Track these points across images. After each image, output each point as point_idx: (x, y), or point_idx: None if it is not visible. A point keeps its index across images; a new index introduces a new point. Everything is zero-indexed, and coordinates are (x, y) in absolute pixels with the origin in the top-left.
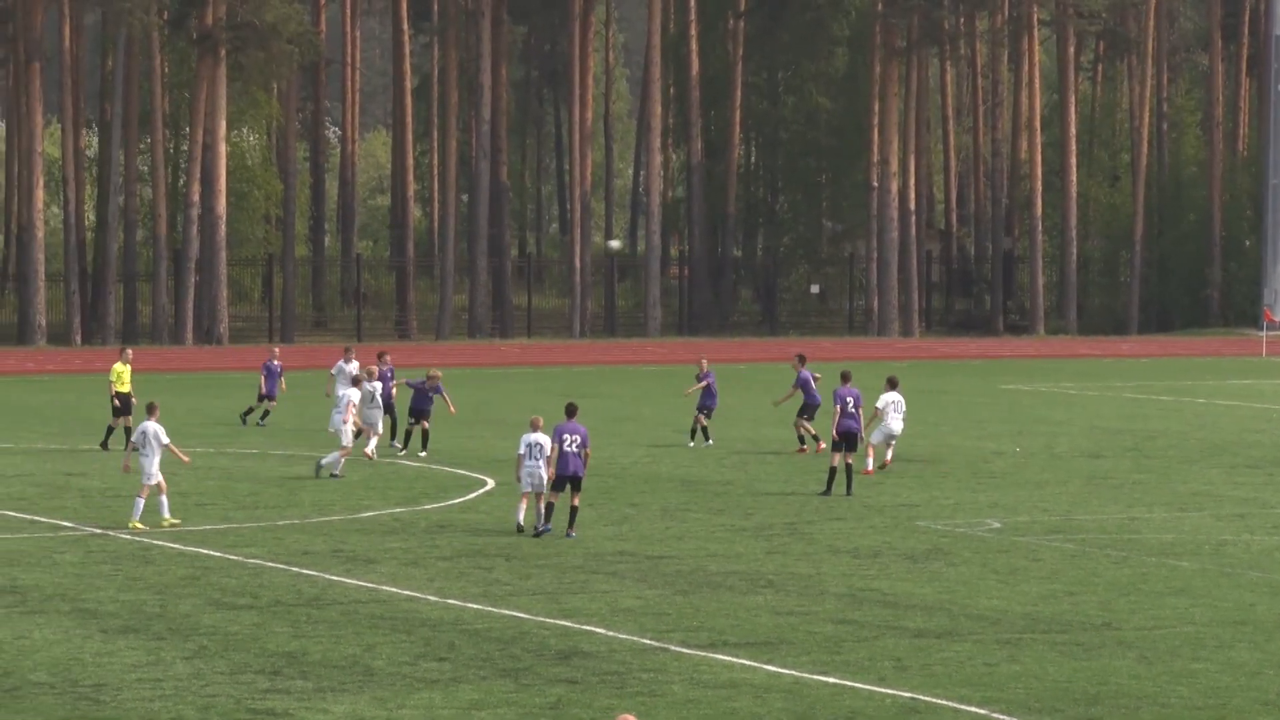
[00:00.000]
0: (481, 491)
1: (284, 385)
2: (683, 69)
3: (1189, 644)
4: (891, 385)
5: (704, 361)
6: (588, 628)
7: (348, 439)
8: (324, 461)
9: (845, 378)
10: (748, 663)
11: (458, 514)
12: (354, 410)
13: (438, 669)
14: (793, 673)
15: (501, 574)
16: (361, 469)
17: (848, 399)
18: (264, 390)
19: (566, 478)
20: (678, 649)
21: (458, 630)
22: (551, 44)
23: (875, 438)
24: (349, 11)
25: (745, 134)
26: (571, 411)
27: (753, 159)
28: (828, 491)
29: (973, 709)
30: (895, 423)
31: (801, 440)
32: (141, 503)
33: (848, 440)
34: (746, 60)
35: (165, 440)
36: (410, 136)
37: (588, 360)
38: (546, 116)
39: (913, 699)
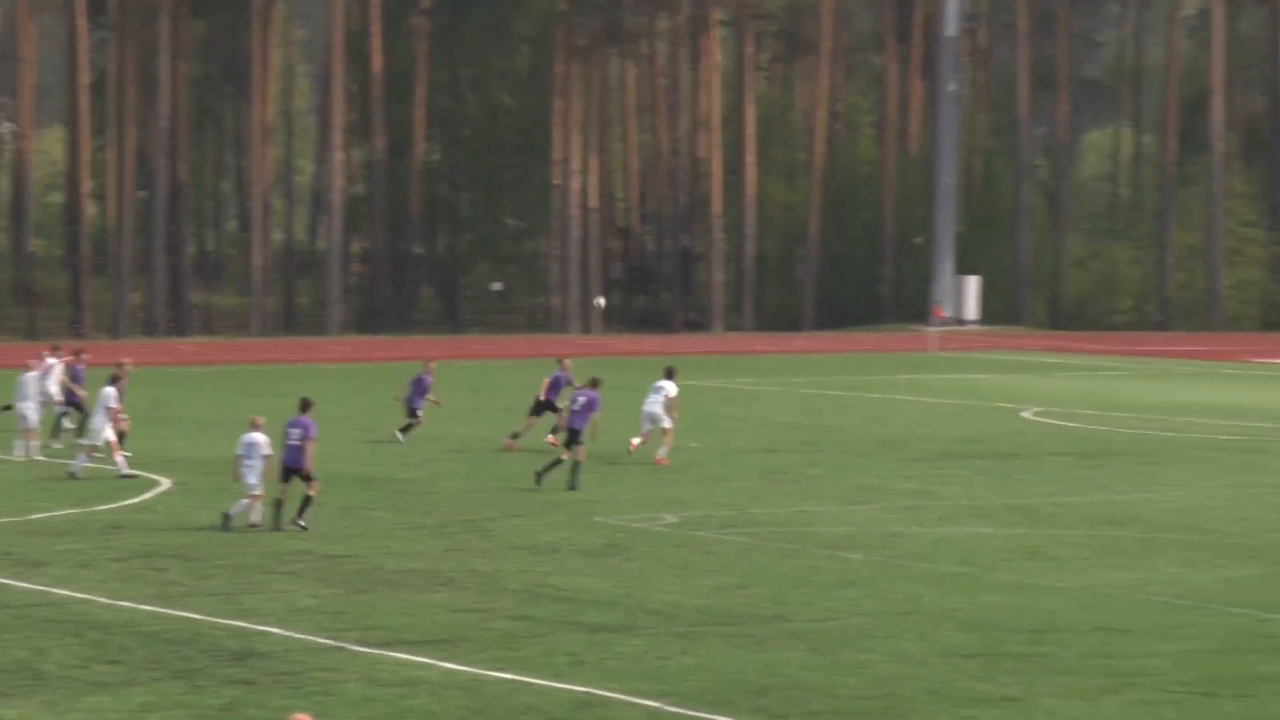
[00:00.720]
0: (157, 492)
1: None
2: (365, 66)
3: (858, 635)
4: (667, 375)
5: (431, 364)
6: (263, 628)
7: (108, 435)
8: (73, 468)
9: (592, 383)
10: (425, 660)
11: (132, 514)
12: (110, 411)
13: (109, 672)
14: (469, 669)
15: (176, 575)
16: (33, 469)
17: (579, 398)
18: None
19: (288, 469)
20: (354, 648)
21: (130, 632)
22: (231, 40)
23: (644, 425)
24: (24, 5)
25: (428, 131)
26: (304, 406)
27: (435, 156)
28: (540, 480)
29: (646, 702)
30: (653, 406)
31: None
32: None
33: (570, 437)
34: (429, 57)
35: None
36: (86, 133)
37: (267, 358)
38: (226, 113)
39: (587, 693)
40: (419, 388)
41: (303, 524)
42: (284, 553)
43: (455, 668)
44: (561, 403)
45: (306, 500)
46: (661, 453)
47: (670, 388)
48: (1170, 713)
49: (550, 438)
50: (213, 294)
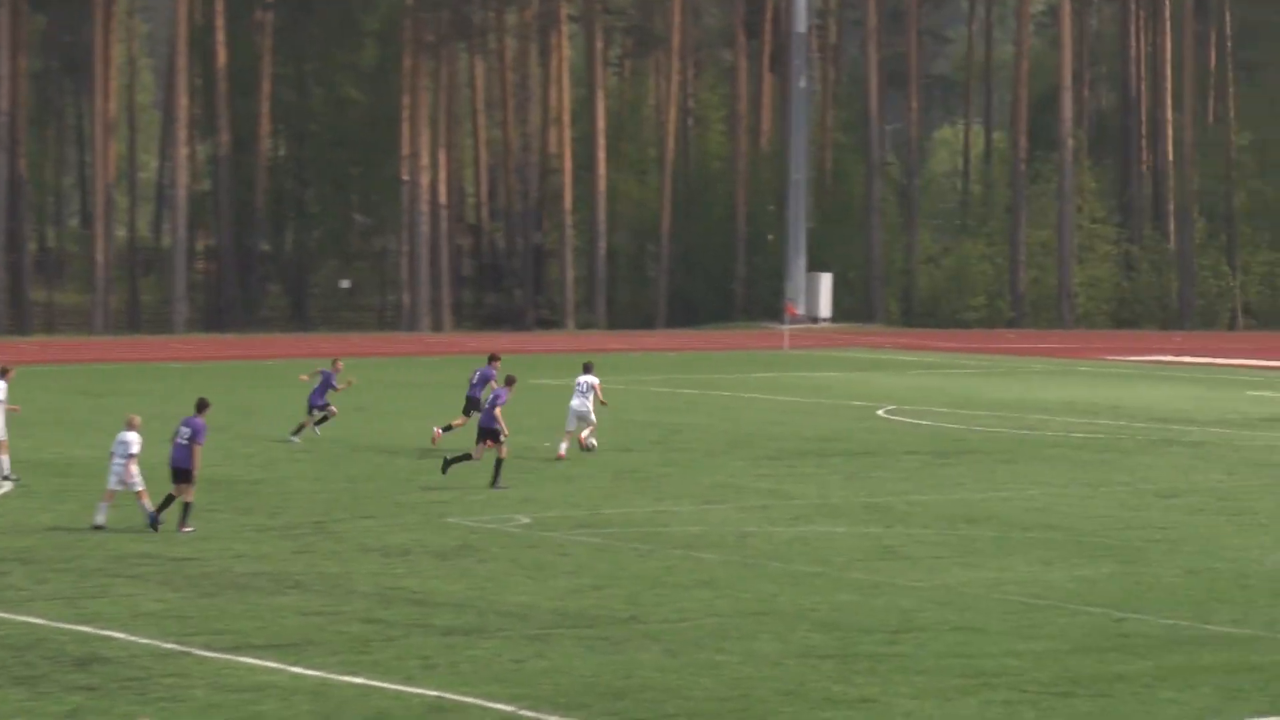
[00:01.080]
0: None
1: None
2: (209, 60)
3: (713, 636)
4: (585, 369)
5: (338, 362)
6: (107, 633)
7: (3, 432)
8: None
9: (508, 381)
10: (273, 665)
11: None
12: (4, 407)
13: None
14: (319, 674)
15: (17, 579)
16: None
17: (491, 397)
18: None
19: (175, 470)
20: (201, 652)
21: None
22: (73, 34)
23: (570, 423)
24: None
25: (274, 126)
26: (199, 407)
27: (281, 152)
28: (445, 470)
29: (500, 706)
30: (583, 403)
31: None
32: None
33: (482, 435)
34: (275, 52)
35: None
36: None
37: (111, 357)
38: (67, 107)
39: (440, 697)
40: (324, 384)
41: (189, 529)
42: (128, 556)
43: (304, 672)
44: (485, 400)
45: (186, 507)
46: (591, 443)
47: (595, 381)
48: (1028, 712)
49: (437, 430)
50: (54, 291)
